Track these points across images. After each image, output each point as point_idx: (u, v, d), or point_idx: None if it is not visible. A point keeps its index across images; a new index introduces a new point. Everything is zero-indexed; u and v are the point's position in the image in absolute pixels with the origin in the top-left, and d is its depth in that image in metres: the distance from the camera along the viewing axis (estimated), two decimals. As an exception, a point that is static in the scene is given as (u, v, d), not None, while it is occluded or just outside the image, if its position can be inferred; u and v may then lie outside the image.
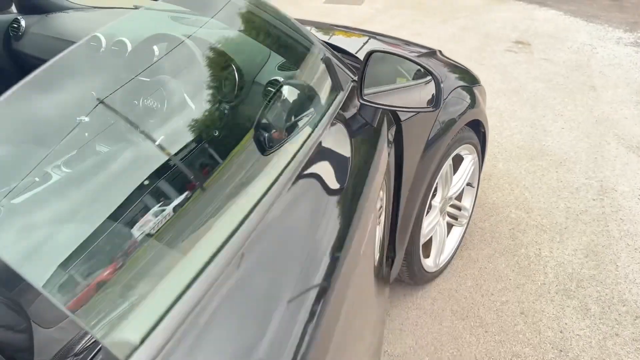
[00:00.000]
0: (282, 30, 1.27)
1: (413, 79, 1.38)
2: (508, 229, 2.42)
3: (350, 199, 1.03)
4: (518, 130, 3.47)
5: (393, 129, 1.43)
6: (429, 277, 2.05)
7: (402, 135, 1.49)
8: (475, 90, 1.94)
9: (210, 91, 1.28)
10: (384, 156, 1.28)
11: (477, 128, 2.02)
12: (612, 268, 2.17)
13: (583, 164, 3.02)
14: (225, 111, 1.24)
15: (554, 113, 3.75)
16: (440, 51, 2.12)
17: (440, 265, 2.09)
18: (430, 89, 1.34)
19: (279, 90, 1.20)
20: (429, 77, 1.23)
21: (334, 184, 1.02)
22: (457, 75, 1.92)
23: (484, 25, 6.24)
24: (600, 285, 2.08)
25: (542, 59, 5.00)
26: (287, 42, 1.32)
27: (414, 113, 1.51)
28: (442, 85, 1.20)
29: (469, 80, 1.96)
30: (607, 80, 4.47)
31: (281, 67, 1.35)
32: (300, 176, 0.95)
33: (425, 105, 1.25)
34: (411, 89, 1.33)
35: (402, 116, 1.48)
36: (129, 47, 1.65)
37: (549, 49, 5.37)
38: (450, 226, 2.17)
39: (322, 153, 1.04)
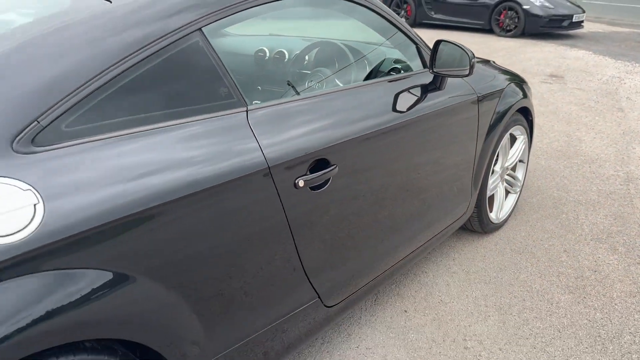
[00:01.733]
0: (394, 24, 2.02)
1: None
2: (551, 202, 3.07)
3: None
4: (556, 139, 4.14)
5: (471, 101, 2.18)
6: (492, 228, 2.71)
7: (479, 108, 2.23)
8: (524, 87, 2.67)
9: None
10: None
11: (527, 116, 2.73)
12: (636, 227, 2.79)
13: (612, 162, 3.66)
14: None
15: (587, 127, 4.41)
16: (493, 61, 2.87)
17: (501, 220, 2.75)
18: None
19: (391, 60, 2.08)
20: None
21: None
22: (509, 77, 2.65)
23: (520, 63, 6.99)
24: (626, 236, 2.69)
25: (574, 88, 5.69)
26: (396, 33, 2.07)
27: (490, 93, 2.29)
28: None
29: (519, 80, 2.69)
30: (634, 104, 5.11)
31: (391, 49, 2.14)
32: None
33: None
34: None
35: (479, 95, 2.22)
36: (287, 55, 2.45)
37: (581, 80, 6.07)
38: (507, 193, 2.84)
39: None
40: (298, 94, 1.84)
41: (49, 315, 0.95)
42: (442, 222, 2.21)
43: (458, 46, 1.88)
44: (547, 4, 9.13)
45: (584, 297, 2.22)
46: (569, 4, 9.48)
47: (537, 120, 4.60)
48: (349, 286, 1.74)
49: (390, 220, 1.86)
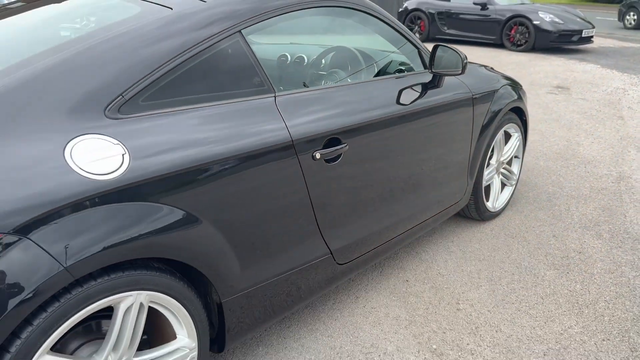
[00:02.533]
0: (399, 32, 2.36)
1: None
2: (546, 196, 3.36)
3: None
4: (556, 143, 4.42)
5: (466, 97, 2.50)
6: (488, 216, 3.00)
7: (474, 106, 2.55)
8: (519, 90, 2.99)
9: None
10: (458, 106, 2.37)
11: (521, 116, 3.04)
12: (622, 217, 3.06)
13: (607, 163, 3.93)
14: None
15: (586, 133, 4.69)
16: (491, 67, 3.19)
17: (497, 209, 3.04)
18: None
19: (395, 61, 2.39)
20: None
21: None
22: (504, 80, 2.97)
23: (528, 75, 7.28)
24: (612, 225, 2.97)
25: (578, 99, 5.96)
26: (400, 40, 2.41)
27: (484, 93, 2.61)
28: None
29: (514, 83, 3.01)
30: (634, 113, 5.37)
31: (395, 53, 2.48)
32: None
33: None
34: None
35: (474, 93, 2.54)
36: (305, 59, 2.81)
37: (586, 91, 6.33)
38: (503, 186, 3.14)
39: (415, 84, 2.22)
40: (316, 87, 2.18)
41: (131, 234, 1.29)
42: (440, 204, 2.52)
43: (453, 50, 2.21)
44: (557, 20, 9.42)
45: (567, 273, 2.50)
46: (578, 19, 9.75)
47: (540, 127, 4.88)
48: (357, 249, 2.05)
49: (392, 196, 2.18)
